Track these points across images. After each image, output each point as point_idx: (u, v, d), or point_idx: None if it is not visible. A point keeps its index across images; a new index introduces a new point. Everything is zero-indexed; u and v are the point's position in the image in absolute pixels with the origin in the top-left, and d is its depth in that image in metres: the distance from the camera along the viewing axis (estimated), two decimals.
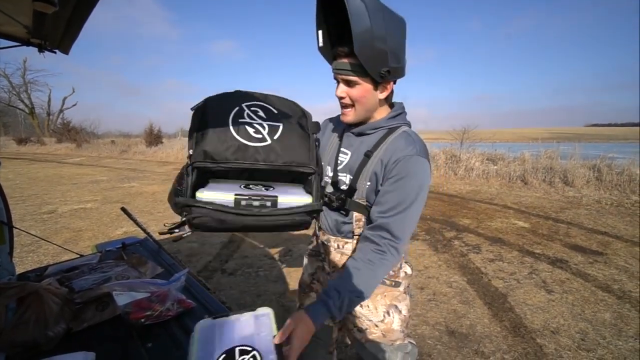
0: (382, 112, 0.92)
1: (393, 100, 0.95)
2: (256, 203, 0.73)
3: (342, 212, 0.93)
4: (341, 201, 0.91)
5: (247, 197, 0.72)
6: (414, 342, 0.99)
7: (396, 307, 0.96)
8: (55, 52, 1.14)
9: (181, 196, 0.73)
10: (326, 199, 0.93)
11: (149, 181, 8.02)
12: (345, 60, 0.81)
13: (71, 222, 4.43)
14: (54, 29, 0.96)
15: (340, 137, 0.99)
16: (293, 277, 2.68)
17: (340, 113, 0.95)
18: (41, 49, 1.06)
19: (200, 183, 0.76)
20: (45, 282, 1.01)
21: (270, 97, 0.80)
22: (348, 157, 0.94)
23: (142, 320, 0.92)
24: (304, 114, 0.79)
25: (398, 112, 0.92)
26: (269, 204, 0.74)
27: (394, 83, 0.89)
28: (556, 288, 2.50)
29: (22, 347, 0.82)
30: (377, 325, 0.95)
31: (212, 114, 0.74)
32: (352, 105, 0.87)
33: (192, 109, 0.76)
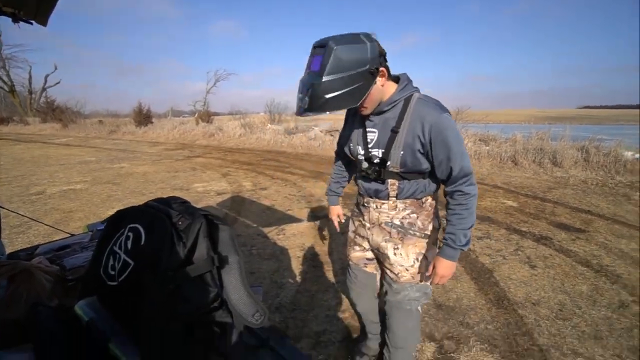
0: (391, 88, 1.05)
1: (397, 74, 1.08)
2: None
3: (378, 181, 1.11)
4: (377, 172, 1.09)
5: None
6: (430, 286, 1.24)
7: (424, 254, 1.17)
8: (31, 23, 1.08)
9: None
10: (364, 173, 1.12)
11: (140, 162, 7.90)
12: None
13: (61, 203, 4.38)
14: None
15: (362, 119, 1.13)
16: (286, 254, 2.73)
17: None
18: (15, 19, 1.00)
19: None
20: (35, 261, 1.01)
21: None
22: (376, 134, 1.09)
23: None
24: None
25: (405, 82, 1.05)
26: None
27: (385, 63, 0.99)
28: (539, 263, 2.60)
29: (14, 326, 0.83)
30: (407, 270, 1.17)
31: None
32: (365, 107, 1.03)
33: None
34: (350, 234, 1.34)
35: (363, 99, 0.94)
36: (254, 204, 4.21)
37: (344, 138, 1.24)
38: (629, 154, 5.74)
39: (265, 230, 3.28)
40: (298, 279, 2.37)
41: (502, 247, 2.90)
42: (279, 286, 2.26)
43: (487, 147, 7.30)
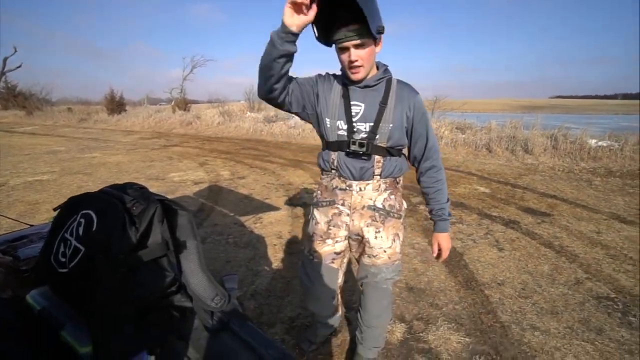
0: (374, 66, 1.09)
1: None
2: None
3: (364, 157, 1.11)
4: (365, 147, 1.08)
5: None
6: (400, 262, 1.30)
7: (398, 234, 1.23)
8: None
9: None
10: (354, 146, 1.08)
11: (113, 151, 7.57)
12: (355, 26, 0.94)
13: (25, 194, 4.15)
14: None
15: (345, 95, 1.11)
16: (262, 243, 2.73)
17: (330, 72, 1.18)
18: None
19: None
20: None
21: None
22: (362, 108, 1.09)
23: None
24: None
25: (385, 67, 1.13)
26: None
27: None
28: (507, 246, 2.73)
29: None
30: (385, 251, 1.21)
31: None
32: (362, 65, 1.01)
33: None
34: (322, 226, 1.23)
35: (377, 38, 0.99)
36: (231, 193, 4.16)
37: (318, 108, 1.12)
38: (592, 142, 6.07)
39: (242, 219, 3.25)
40: (274, 266, 2.38)
41: (474, 232, 3.03)
42: (255, 274, 2.26)
43: (463, 135, 7.50)
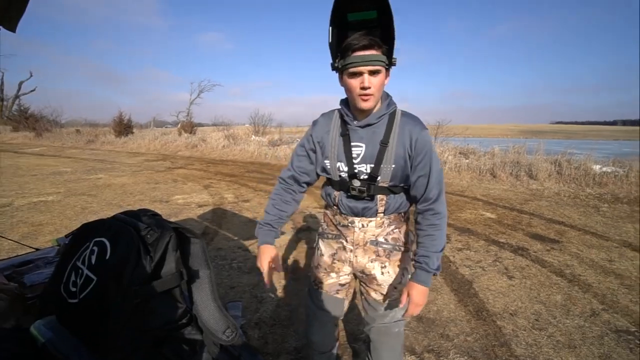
0: (379, 102, 1.02)
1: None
2: None
3: (366, 198, 1.04)
4: (367, 189, 1.02)
5: None
6: None
7: (406, 268, 1.15)
8: None
9: None
10: (354, 192, 1.03)
11: (118, 173, 7.65)
12: (375, 52, 0.90)
13: (29, 215, 4.15)
14: None
15: (344, 133, 1.05)
16: None
17: (324, 112, 1.12)
18: None
19: None
20: None
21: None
22: (363, 149, 1.03)
23: None
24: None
25: (389, 98, 1.05)
26: None
27: None
28: (517, 274, 2.66)
29: None
30: (395, 287, 1.11)
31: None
32: (373, 94, 0.94)
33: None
34: (326, 259, 1.17)
35: (389, 69, 0.97)
36: (235, 217, 4.14)
37: (318, 157, 1.11)
38: (597, 168, 6.05)
39: (247, 243, 3.21)
40: (278, 292, 2.32)
41: (482, 259, 2.96)
42: (259, 301, 2.20)
43: (467, 160, 7.53)
